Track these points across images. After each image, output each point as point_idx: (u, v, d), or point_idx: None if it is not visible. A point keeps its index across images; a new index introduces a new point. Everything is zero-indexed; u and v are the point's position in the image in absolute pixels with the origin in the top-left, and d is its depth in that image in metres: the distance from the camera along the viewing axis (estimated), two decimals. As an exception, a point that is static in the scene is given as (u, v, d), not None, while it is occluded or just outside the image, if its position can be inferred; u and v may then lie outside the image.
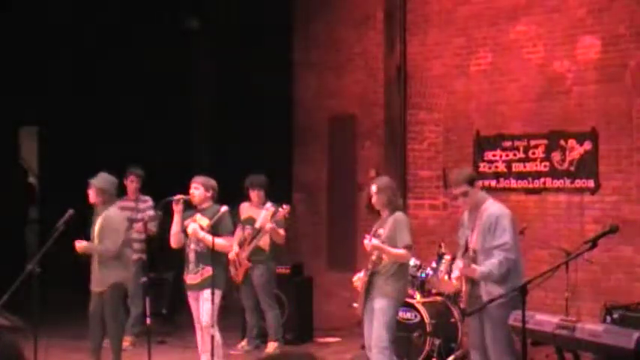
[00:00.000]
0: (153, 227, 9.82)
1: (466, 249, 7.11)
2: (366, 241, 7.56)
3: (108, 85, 13.50)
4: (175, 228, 8.25)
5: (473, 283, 6.97)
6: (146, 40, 13.26)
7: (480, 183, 7.24)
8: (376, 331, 7.52)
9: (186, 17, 13.96)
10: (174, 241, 8.31)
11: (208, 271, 8.09)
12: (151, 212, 10.02)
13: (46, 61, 13.28)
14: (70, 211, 8.44)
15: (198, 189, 8.28)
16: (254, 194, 9.85)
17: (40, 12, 12.93)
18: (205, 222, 8.16)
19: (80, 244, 8.37)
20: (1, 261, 10.85)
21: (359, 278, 7.74)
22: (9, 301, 7.75)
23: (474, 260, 6.90)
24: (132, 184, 10.25)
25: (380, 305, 7.52)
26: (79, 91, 13.48)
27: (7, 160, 12.76)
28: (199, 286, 8.12)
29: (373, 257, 7.55)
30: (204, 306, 8.08)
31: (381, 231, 7.60)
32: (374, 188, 7.68)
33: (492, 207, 7.03)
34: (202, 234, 8.08)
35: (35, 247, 11.04)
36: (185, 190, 8.35)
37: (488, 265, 6.82)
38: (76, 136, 13.21)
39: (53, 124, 12.63)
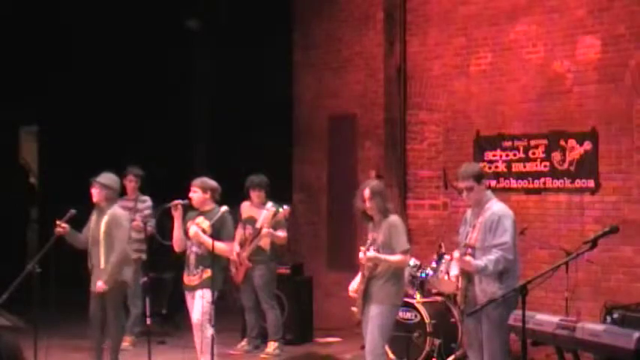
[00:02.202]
0: (150, 226, 9.84)
1: (466, 246, 7.08)
2: (361, 255, 7.48)
3: (108, 85, 13.51)
4: (177, 233, 8.27)
5: (469, 280, 6.97)
6: (146, 40, 13.27)
7: (486, 181, 7.18)
8: (371, 338, 7.48)
9: (186, 17, 13.97)
10: (177, 245, 8.34)
11: (207, 272, 8.12)
12: (149, 212, 10.05)
13: (46, 61, 13.29)
14: (72, 211, 8.46)
15: (196, 192, 8.30)
16: (254, 194, 9.86)
17: (40, 12, 12.94)
18: (207, 225, 8.18)
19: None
20: (1, 261, 10.85)
21: (354, 290, 7.69)
22: (9, 301, 7.75)
23: (471, 257, 6.89)
24: (130, 183, 10.26)
25: (375, 312, 7.47)
26: (79, 91, 13.49)
27: (7, 160, 12.76)
28: (196, 287, 8.15)
29: (369, 264, 7.50)
30: (199, 303, 8.10)
31: (369, 252, 7.50)
32: (367, 193, 7.59)
33: (496, 206, 7.02)
34: (204, 237, 8.09)
35: (35, 247, 11.04)
36: (184, 192, 8.35)
37: (485, 259, 6.82)
38: (76, 136, 13.21)
39: (53, 124, 12.64)
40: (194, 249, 8.21)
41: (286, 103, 12.39)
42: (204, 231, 8.14)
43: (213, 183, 8.39)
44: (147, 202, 10.26)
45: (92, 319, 8.55)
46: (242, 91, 13.45)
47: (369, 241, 7.58)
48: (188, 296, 8.30)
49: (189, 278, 8.24)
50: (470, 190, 7.05)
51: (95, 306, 8.51)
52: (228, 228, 8.34)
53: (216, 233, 8.15)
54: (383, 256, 7.38)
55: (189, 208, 8.34)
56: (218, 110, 14.32)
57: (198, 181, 8.36)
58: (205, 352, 8.05)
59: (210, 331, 8.06)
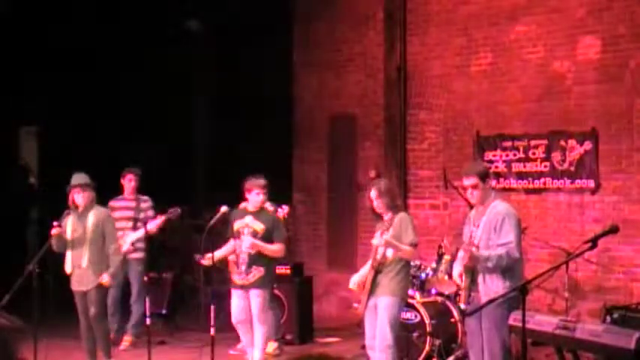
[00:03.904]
0: (153, 227, 9.89)
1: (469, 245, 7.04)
2: (374, 240, 7.52)
3: (108, 86, 13.50)
4: (224, 253, 8.51)
5: (472, 279, 6.96)
6: (146, 40, 13.27)
7: (491, 180, 7.16)
8: (380, 330, 7.49)
9: (186, 18, 13.97)
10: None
11: (260, 271, 8.39)
12: (152, 212, 10.10)
13: (46, 61, 13.28)
14: (68, 212, 8.46)
15: (260, 195, 8.54)
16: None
17: (40, 12, 12.93)
18: (259, 226, 8.40)
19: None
20: (1, 261, 10.85)
21: (355, 283, 7.70)
22: (9, 301, 7.75)
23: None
24: (130, 182, 10.28)
25: (385, 304, 7.50)
26: (79, 91, 13.48)
27: (7, 160, 12.75)
28: (251, 286, 8.38)
29: (378, 256, 7.52)
30: (255, 301, 8.39)
31: (385, 235, 7.53)
32: (374, 193, 7.64)
33: (500, 206, 6.99)
34: (261, 245, 8.34)
35: (35, 247, 11.04)
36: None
37: (489, 251, 6.80)
38: (76, 136, 13.20)
39: (53, 124, 12.63)
40: (245, 249, 8.40)
41: (286, 103, 12.38)
42: (256, 232, 8.36)
43: (265, 182, 8.61)
44: (148, 201, 10.30)
45: (81, 319, 8.57)
46: (242, 91, 13.45)
47: (377, 234, 7.61)
48: (235, 294, 8.50)
49: (242, 277, 8.41)
50: (474, 188, 7.01)
51: (81, 306, 8.54)
52: (281, 230, 8.59)
53: (269, 234, 8.39)
54: (397, 243, 7.42)
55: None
56: (218, 110, 14.32)
57: (261, 183, 8.56)
58: (257, 346, 8.49)
59: (265, 327, 8.47)
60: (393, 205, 7.62)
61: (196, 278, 11.35)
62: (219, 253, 8.51)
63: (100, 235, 8.49)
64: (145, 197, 10.33)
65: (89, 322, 8.53)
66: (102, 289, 8.57)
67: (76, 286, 8.54)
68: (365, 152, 11.61)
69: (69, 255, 8.53)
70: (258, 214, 8.45)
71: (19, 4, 12.66)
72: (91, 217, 8.48)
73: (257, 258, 8.37)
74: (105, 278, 8.43)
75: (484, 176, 7.05)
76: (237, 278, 8.44)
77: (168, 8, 13.28)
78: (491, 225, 6.88)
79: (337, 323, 10.84)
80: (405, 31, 11.13)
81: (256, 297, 8.38)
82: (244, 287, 8.44)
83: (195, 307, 11.04)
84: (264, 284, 8.44)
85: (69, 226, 8.50)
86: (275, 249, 8.44)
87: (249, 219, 8.39)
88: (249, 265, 8.35)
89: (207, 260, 8.36)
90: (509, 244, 6.78)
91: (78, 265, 8.48)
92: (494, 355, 6.86)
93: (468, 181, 7.05)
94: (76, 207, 8.52)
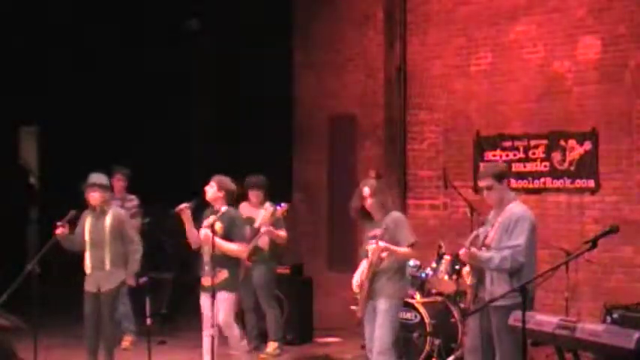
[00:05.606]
0: (137, 221, 10.01)
1: (482, 246, 7.00)
2: (371, 246, 7.40)
3: (108, 85, 13.52)
4: (190, 234, 8.26)
5: (479, 279, 6.94)
6: (146, 40, 13.28)
7: (508, 181, 7.13)
8: (379, 332, 7.46)
9: (186, 17, 13.98)
10: (192, 243, 8.34)
11: (223, 273, 8.11)
12: (136, 210, 10.29)
13: (46, 61, 13.29)
14: (73, 212, 8.48)
15: (212, 187, 8.32)
16: (253, 195, 9.87)
17: (40, 12, 12.95)
18: (218, 225, 8.16)
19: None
20: (1, 261, 10.86)
21: (357, 283, 7.65)
22: (9, 301, 7.76)
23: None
24: (119, 182, 10.34)
25: (384, 306, 7.46)
26: (79, 91, 13.49)
27: (7, 160, 12.77)
28: (214, 289, 8.02)
29: (373, 258, 7.49)
30: (219, 306, 8.05)
31: (381, 243, 7.45)
32: (367, 190, 7.57)
33: (516, 208, 6.96)
34: (217, 241, 8.03)
35: (35, 247, 11.05)
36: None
37: (493, 253, 6.78)
38: (76, 136, 13.22)
39: (53, 124, 12.65)
40: (207, 249, 8.19)
41: (286, 103, 12.39)
42: (215, 232, 8.12)
43: (231, 185, 8.40)
44: (134, 200, 10.40)
45: (87, 320, 8.55)
46: (242, 91, 13.46)
47: (367, 238, 7.56)
48: (203, 296, 8.24)
49: (206, 279, 8.19)
50: (489, 189, 6.99)
51: (91, 307, 8.52)
52: (239, 229, 8.32)
53: (227, 234, 8.14)
54: (394, 247, 7.37)
55: (200, 208, 8.37)
56: (218, 110, 14.33)
57: (217, 178, 8.38)
58: (235, 349, 8.28)
59: (234, 332, 8.22)
60: (385, 206, 7.58)
61: (196, 278, 11.36)
62: (190, 233, 8.25)
63: (119, 235, 8.51)
64: (132, 196, 10.42)
65: (96, 323, 8.50)
66: (117, 290, 8.60)
67: (91, 286, 8.52)
68: (365, 152, 11.61)
69: (87, 256, 8.53)
70: (222, 214, 8.25)
71: (20, 4, 12.67)
72: (109, 218, 8.51)
73: (219, 259, 8.04)
74: (128, 278, 8.47)
75: (500, 177, 7.01)
76: (203, 280, 8.23)
77: (168, 8, 13.29)
78: (504, 226, 6.86)
79: (337, 323, 10.83)
80: (404, 31, 11.13)
81: (221, 301, 8.03)
82: (208, 290, 8.08)
83: (195, 307, 11.04)
84: (228, 287, 8.11)
85: (86, 226, 8.52)
86: (231, 248, 8.09)
87: (212, 218, 8.27)
88: (212, 267, 8.07)
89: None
90: (516, 248, 6.75)
91: (99, 267, 8.47)
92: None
93: (483, 183, 7.03)
94: (93, 208, 8.54)
